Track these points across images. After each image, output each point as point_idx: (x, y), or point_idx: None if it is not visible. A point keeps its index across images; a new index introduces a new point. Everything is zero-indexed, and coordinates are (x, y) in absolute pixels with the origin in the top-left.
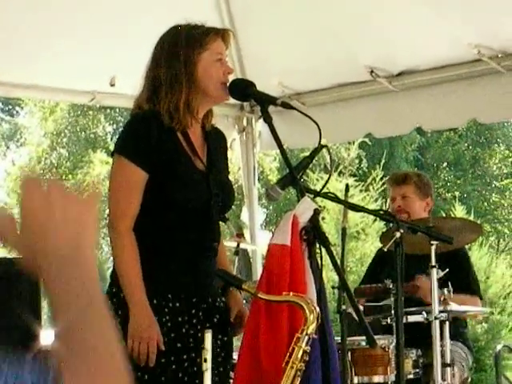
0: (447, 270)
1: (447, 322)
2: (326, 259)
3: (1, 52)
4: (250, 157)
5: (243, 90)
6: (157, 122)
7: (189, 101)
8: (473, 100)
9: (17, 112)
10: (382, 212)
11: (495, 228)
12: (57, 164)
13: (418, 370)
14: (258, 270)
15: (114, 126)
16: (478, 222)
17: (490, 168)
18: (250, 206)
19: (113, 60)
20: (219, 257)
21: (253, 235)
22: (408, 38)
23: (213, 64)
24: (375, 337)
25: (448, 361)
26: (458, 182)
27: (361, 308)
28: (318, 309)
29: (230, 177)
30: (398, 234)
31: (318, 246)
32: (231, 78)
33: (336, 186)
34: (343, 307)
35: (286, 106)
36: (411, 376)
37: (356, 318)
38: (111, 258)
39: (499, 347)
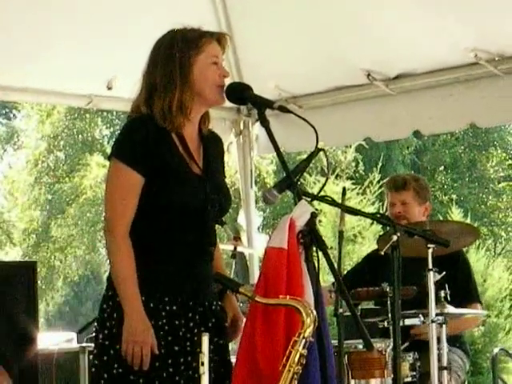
0: (444, 273)
1: (444, 326)
2: (323, 262)
3: None
4: (247, 160)
5: (240, 93)
6: (153, 125)
7: (182, 101)
8: (471, 104)
9: (14, 115)
10: (378, 215)
11: (492, 231)
12: (54, 167)
13: (414, 374)
14: (255, 274)
15: (111, 129)
16: (475, 224)
17: (487, 171)
18: (246, 209)
19: (110, 63)
20: (215, 260)
21: (250, 238)
22: (405, 42)
23: (209, 66)
24: (372, 340)
25: (445, 364)
26: (455, 184)
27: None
28: (315, 312)
29: (227, 180)
30: (394, 238)
31: (314, 249)
32: (227, 81)
33: (333, 189)
34: (340, 310)
35: (283, 109)
36: (408, 379)
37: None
38: (108, 260)
39: (496, 350)
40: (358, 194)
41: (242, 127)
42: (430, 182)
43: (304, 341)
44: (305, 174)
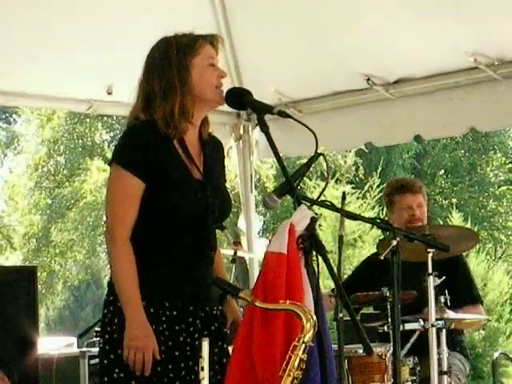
0: (444, 277)
1: (444, 330)
2: (323, 267)
3: None
4: (247, 164)
5: (239, 98)
6: (153, 131)
7: (183, 106)
8: (471, 108)
9: (14, 120)
10: (378, 220)
11: (492, 235)
12: (54, 171)
13: (414, 378)
14: (255, 278)
15: (111, 133)
16: (475, 229)
17: (487, 175)
18: (246, 214)
19: (110, 68)
20: (216, 265)
21: (250, 243)
22: (404, 46)
23: (206, 68)
24: (372, 344)
25: (445, 368)
26: (455, 188)
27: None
28: (314, 317)
29: (227, 184)
30: (394, 242)
31: (314, 254)
32: (225, 83)
33: (333, 193)
34: (340, 315)
35: (283, 114)
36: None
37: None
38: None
39: (496, 354)
40: (357, 198)
41: (241, 132)
42: (430, 186)
43: (304, 346)
44: (305, 178)
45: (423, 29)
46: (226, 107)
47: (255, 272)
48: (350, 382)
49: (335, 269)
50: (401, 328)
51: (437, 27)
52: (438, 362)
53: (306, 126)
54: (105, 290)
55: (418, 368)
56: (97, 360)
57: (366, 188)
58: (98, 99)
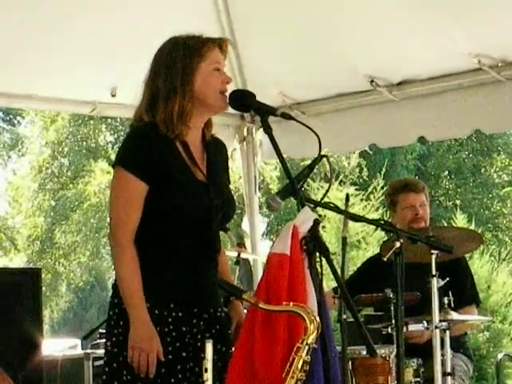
0: (447, 279)
1: (447, 332)
2: (327, 269)
3: (1, 63)
4: (251, 166)
5: (243, 100)
6: (156, 133)
7: (183, 109)
8: (475, 110)
9: (18, 122)
10: (382, 222)
11: (496, 236)
12: (58, 173)
13: (418, 379)
14: (259, 280)
15: (115, 135)
16: (479, 230)
17: (491, 176)
18: (250, 216)
19: (114, 70)
20: (221, 267)
21: (254, 244)
22: (408, 48)
23: (211, 73)
24: (375, 346)
25: (449, 370)
26: (459, 190)
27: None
28: (318, 319)
29: (231, 186)
30: (397, 244)
31: (318, 255)
32: (230, 87)
33: (337, 195)
34: (344, 316)
35: (286, 116)
36: None
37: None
38: (112, 267)
39: (500, 356)
40: (361, 199)
41: (245, 133)
42: (434, 187)
43: (307, 347)
44: (309, 179)
45: (427, 30)
46: (229, 109)
47: (259, 274)
48: (354, 383)
49: (339, 270)
50: (404, 329)
51: (440, 28)
52: (442, 363)
53: (309, 128)
54: (109, 291)
55: (422, 369)
56: (101, 362)
57: (369, 190)
58: (101, 101)
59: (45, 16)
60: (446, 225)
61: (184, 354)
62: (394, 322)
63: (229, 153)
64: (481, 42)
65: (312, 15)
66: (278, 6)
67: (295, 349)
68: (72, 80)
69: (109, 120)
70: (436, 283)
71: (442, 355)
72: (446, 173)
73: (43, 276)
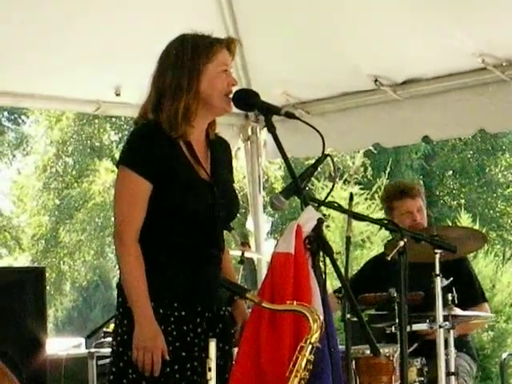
0: (451, 278)
1: (451, 331)
2: (331, 268)
3: (6, 62)
4: (255, 165)
5: (247, 100)
6: (160, 131)
7: (188, 109)
8: (479, 109)
9: (23, 121)
10: (386, 221)
11: (501, 236)
12: (62, 172)
13: (422, 379)
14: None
15: (120, 134)
16: (484, 230)
17: (496, 176)
18: (255, 215)
19: (118, 69)
20: (225, 266)
21: (258, 244)
22: (412, 47)
23: (218, 75)
24: (379, 345)
25: (452, 369)
26: (464, 189)
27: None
28: (322, 318)
29: (235, 185)
30: (401, 243)
31: (321, 254)
32: (234, 87)
33: (341, 194)
34: (347, 316)
35: (290, 115)
36: None
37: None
38: (117, 266)
39: (505, 355)
40: (366, 199)
41: (249, 133)
42: (438, 186)
43: (311, 346)
44: (313, 179)
45: (427, 30)
46: (233, 108)
47: (263, 273)
48: (358, 382)
49: (343, 270)
50: (408, 329)
51: (445, 28)
52: (446, 362)
53: (313, 127)
54: (113, 290)
55: (426, 369)
56: (106, 361)
57: (374, 189)
58: (106, 100)
59: (45, 16)
60: (450, 224)
61: (188, 354)
62: (397, 321)
63: (233, 152)
64: (485, 42)
65: (314, 15)
66: (283, 5)
67: (299, 348)
68: (74, 80)
69: (113, 119)
70: (440, 283)
71: (446, 355)
72: (451, 172)
73: (47, 275)
